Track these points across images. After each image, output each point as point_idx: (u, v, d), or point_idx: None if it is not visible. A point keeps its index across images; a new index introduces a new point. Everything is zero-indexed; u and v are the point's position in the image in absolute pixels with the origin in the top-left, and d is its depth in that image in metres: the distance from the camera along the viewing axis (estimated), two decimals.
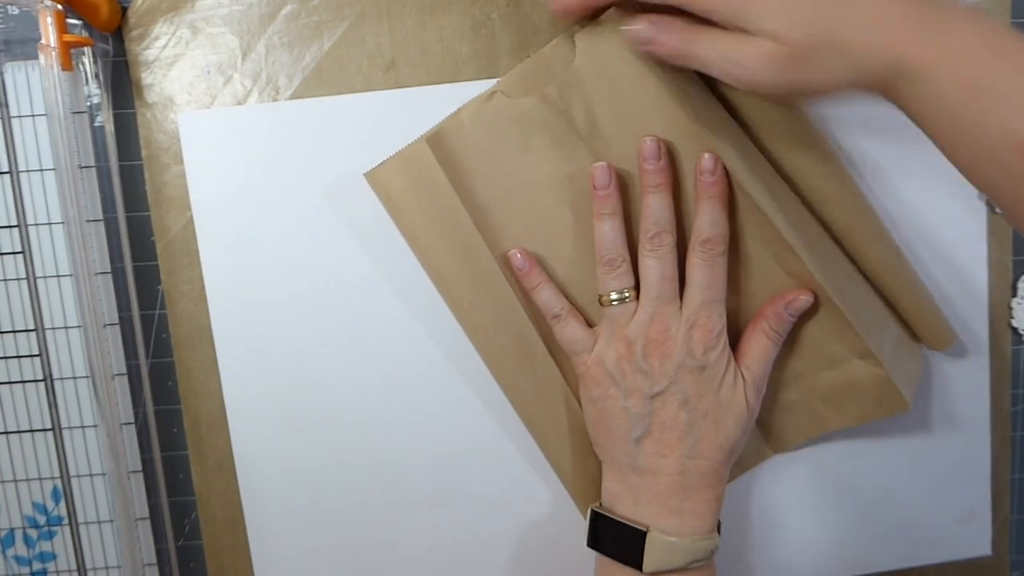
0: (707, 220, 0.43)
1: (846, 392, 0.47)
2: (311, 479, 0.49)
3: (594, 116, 0.44)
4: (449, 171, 0.44)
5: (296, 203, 0.47)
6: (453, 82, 0.46)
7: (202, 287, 0.47)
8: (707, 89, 0.44)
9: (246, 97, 0.46)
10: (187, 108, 0.46)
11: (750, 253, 0.46)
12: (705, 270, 0.43)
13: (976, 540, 0.54)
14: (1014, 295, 0.51)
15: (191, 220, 0.47)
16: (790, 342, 0.47)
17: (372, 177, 0.44)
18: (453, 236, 0.44)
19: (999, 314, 0.51)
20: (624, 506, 0.44)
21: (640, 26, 0.40)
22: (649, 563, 0.42)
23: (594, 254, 0.45)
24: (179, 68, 0.46)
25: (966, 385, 0.52)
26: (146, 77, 0.46)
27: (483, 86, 0.45)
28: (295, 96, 0.46)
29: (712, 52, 0.38)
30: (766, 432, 0.50)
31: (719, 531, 0.45)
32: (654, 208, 0.43)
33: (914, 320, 0.48)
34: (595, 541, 0.45)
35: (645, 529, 0.43)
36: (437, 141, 0.44)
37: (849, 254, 0.47)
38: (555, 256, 0.46)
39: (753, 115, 0.45)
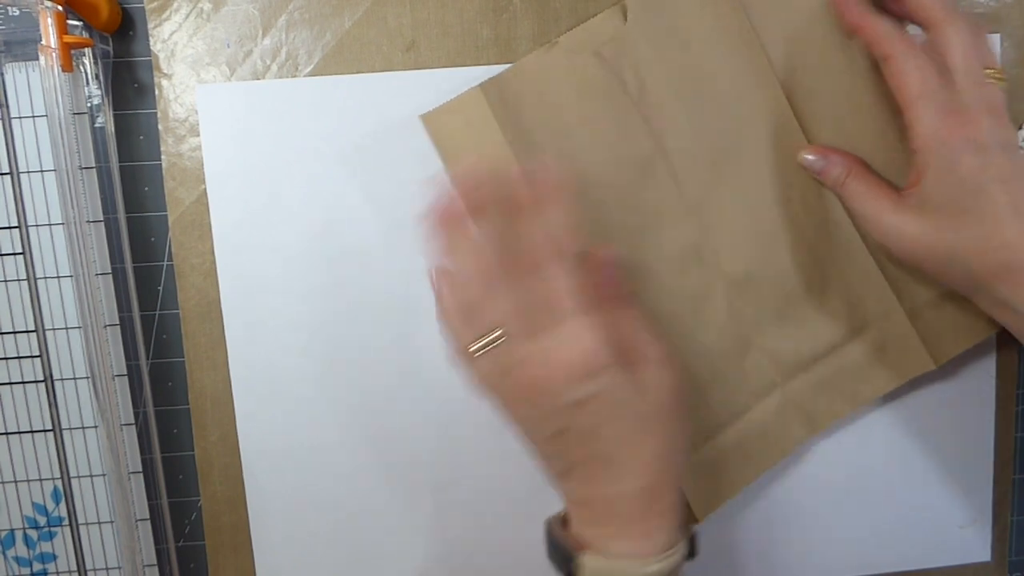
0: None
1: (876, 359, 0.48)
2: (314, 457, 0.49)
3: (643, 80, 0.45)
4: (504, 120, 0.44)
5: (311, 180, 0.47)
6: (472, 65, 0.46)
7: (212, 261, 0.47)
8: (759, 50, 0.45)
9: (265, 72, 0.46)
10: (206, 81, 0.46)
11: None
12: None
13: (976, 546, 0.54)
14: None
15: (204, 193, 0.46)
16: (815, 313, 0.47)
17: (427, 120, 0.44)
18: None
19: None
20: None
21: (811, 157, 0.45)
22: None
23: (636, 215, 0.45)
24: (199, 40, 0.46)
25: (972, 390, 0.52)
26: (165, 48, 0.46)
27: (503, 70, 0.46)
28: (314, 73, 0.46)
29: (860, 201, 0.44)
30: (797, 412, 0.48)
31: (693, 547, 0.41)
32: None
33: None
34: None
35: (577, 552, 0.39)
36: (494, 88, 0.44)
37: None
38: (597, 218, 0.46)
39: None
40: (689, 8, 0.45)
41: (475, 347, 0.38)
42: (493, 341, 0.38)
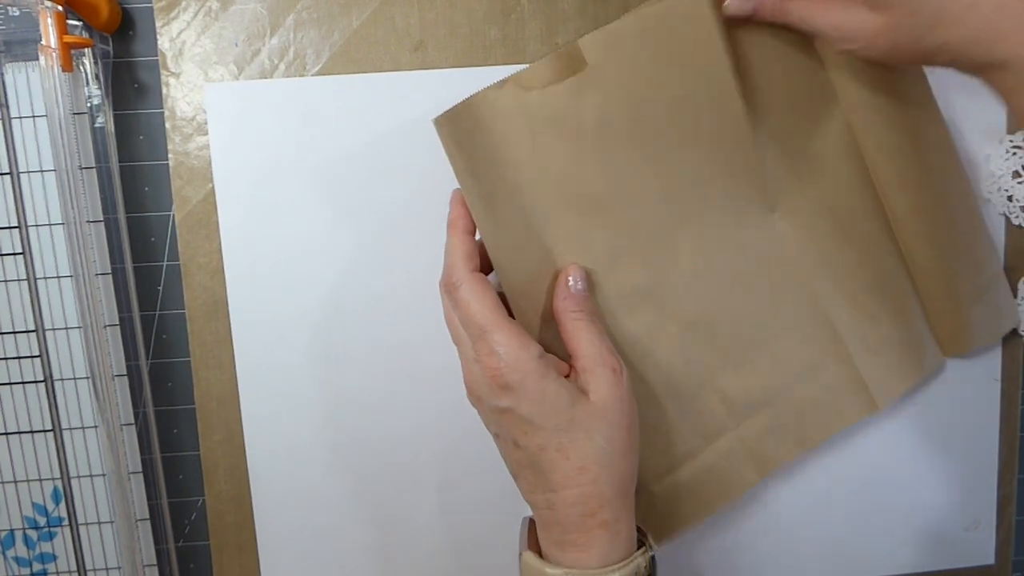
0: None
1: (824, 402, 0.47)
2: (319, 457, 0.49)
3: (604, 118, 0.42)
4: (463, 153, 0.40)
5: (318, 178, 0.47)
6: (480, 66, 0.47)
7: (219, 260, 0.47)
8: (732, 93, 0.43)
9: (273, 71, 0.46)
10: (213, 79, 0.46)
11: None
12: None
13: (980, 549, 0.54)
14: (1015, 296, 0.51)
15: (212, 192, 0.46)
16: (766, 356, 0.47)
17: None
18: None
19: None
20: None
21: (737, 1, 0.41)
22: None
23: (592, 255, 0.43)
24: (207, 39, 0.46)
25: (977, 393, 0.52)
26: (173, 46, 0.46)
27: (510, 71, 0.45)
28: (322, 72, 0.46)
29: (809, 16, 0.40)
30: (748, 455, 0.48)
31: (650, 559, 0.40)
32: None
33: (937, 316, 0.48)
34: None
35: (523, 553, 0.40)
36: (449, 120, 0.40)
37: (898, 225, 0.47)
38: (547, 255, 0.43)
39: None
40: (665, 43, 0.42)
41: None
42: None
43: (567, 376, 0.40)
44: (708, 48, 0.42)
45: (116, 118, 0.46)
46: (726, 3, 0.42)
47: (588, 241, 0.44)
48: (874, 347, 0.47)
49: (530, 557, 0.40)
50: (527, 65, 0.43)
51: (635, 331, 0.45)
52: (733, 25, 0.42)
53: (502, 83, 0.42)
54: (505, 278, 0.42)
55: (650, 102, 0.43)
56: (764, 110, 0.44)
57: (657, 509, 0.47)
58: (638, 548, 0.40)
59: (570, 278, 0.42)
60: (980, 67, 0.38)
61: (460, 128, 0.40)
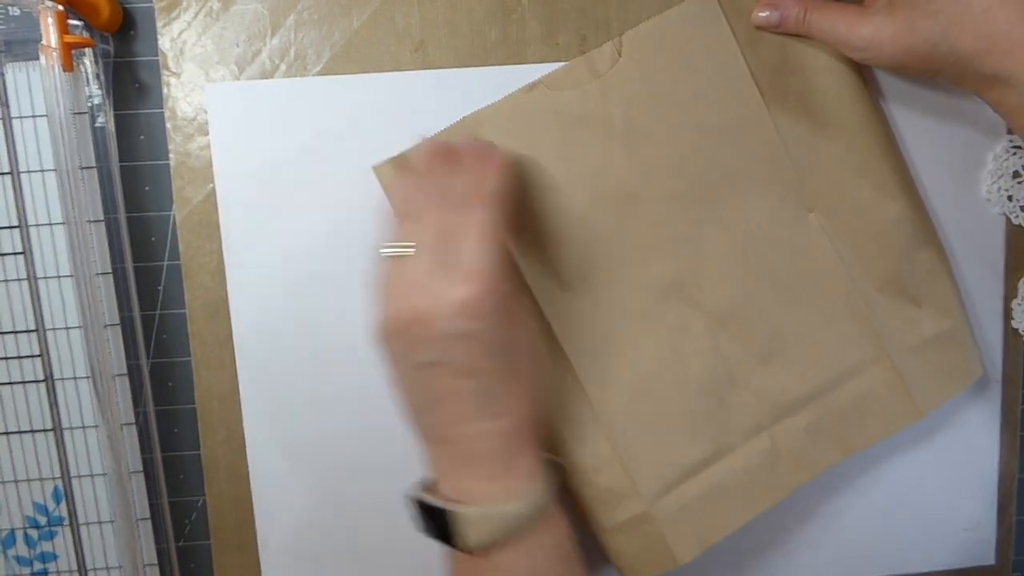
0: None
1: (866, 405, 0.47)
2: (321, 456, 0.49)
3: (631, 116, 0.45)
4: None
5: (319, 179, 0.47)
6: (481, 66, 0.46)
7: (220, 260, 0.47)
8: (753, 88, 0.45)
9: (274, 71, 0.46)
10: (214, 80, 0.46)
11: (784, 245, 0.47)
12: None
13: (980, 549, 0.54)
14: (1015, 296, 0.51)
15: (213, 192, 0.46)
16: (802, 355, 0.47)
17: (380, 171, 0.45)
18: None
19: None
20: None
21: (764, 13, 0.44)
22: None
23: (624, 250, 0.46)
24: (208, 39, 0.46)
25: (977, 393, 0.52)
26: (174, 47, 0.46)
27: (510, 71, 0.46)
28: (323, 72, 0.46)
29: (829, 27, 0.43)
30: (785, 457, 0.47)
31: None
32: None
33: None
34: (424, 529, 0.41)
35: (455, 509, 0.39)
36: (459, 132, 0.44)
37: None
38: (580, 252, 0.46)
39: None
40: (683, 46, 0.45)
41: (385, 249, 0.39)
42: (402, 250, 0.39)
43: None
44: (724, 51, 0.45)
45: (117, 118, 0.46)
46: (754, 15, 0.45)
47: (617, 236, 0.45)
48: (915, 349, 0.47)
49: (470, 510, 0.38)
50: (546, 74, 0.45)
51: (665, 324, 0.46)
52: (748, 31, 0.45)
53: (532, 85, 0.45)
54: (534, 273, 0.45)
55: (674, 102, 0.45)
56: (788, 110, 0.46)
57: (689, 512, 0.46)
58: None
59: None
60: (986, 82, 0.39)
61: (492, 130, 0.44)
